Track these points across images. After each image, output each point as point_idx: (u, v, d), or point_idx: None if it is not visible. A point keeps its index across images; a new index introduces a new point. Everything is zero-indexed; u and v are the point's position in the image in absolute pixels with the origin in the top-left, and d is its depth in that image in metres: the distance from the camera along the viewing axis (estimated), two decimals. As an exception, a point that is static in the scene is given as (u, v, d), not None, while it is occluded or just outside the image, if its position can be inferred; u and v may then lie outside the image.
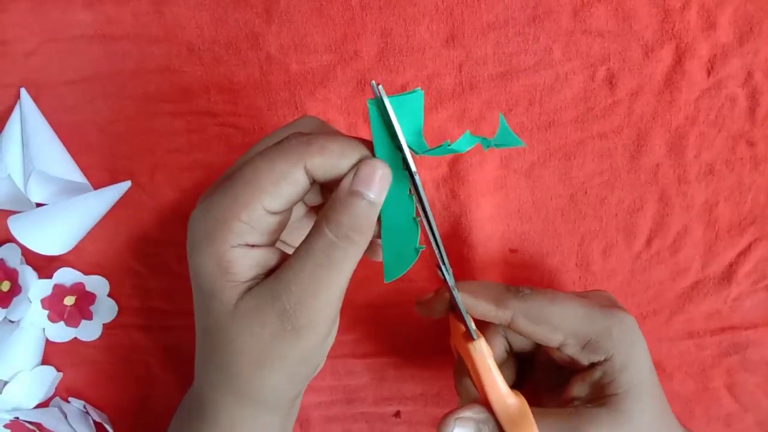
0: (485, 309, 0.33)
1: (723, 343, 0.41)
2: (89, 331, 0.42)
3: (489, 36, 0.39)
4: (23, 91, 0.40)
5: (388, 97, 0.26)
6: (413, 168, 0.27)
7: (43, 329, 0.41)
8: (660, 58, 0.39)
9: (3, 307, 0.40)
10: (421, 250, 0.29)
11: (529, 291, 0.33)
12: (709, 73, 0.39)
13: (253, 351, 0.27)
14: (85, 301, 0.41)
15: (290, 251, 0.28)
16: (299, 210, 0.31)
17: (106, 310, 0.41)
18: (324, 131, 0.30)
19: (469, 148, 0.27)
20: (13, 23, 0.40)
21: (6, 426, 0.39)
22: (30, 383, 0.40)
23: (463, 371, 0.34)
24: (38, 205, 0.40)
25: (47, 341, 0.41)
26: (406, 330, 0.42)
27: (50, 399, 0.42)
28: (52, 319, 0.41)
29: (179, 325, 0.41)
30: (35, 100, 0.40)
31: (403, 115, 0.27)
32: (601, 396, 0.32)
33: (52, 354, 0.42)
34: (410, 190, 0.28)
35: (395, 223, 0.28)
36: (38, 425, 0.40)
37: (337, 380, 0.42)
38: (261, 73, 0.40)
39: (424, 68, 0.40)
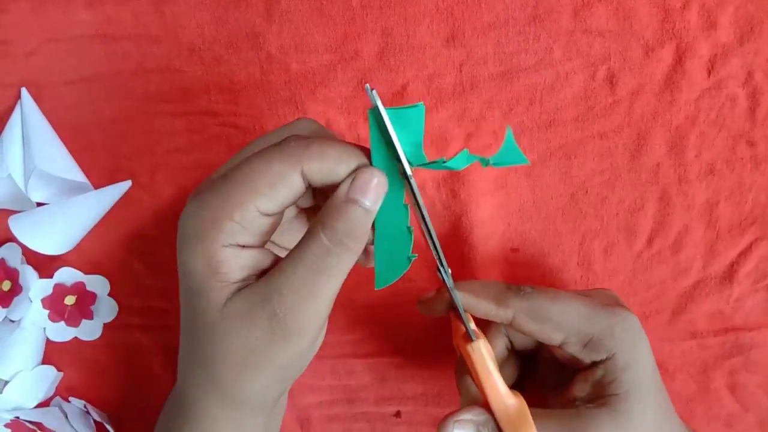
0: (486, 308, 0.33)
1: (726, 344, 0.41)
2: (90, 330, 0.42)
3: (489, 35, 0.39)
4: (24, 91, 0.40)
5: (387, 109, 0.26)
6: (409, 172, 0.27)
7: (44, 329, 0.41)
8: (660, 57, 0.39)
9: (4, 307, 0.40)
10: (413, 258, 0.29)
11: (530, 289, 0.33)
12: (709, 73, 0.39)
13: (240, 352, 0.27)
14: (85, 301, 0.41)
15: (279, 252, 0.28)
16: (290, 212, 0.31)
17: (106, 309, 0.41)
18: (322, 135, 0.30)
19: (465, 167, 0.28)
20: (14, 23, 0.40)
21: (6, 425, 0.39)
22: (30, 383, 0.40)
23: (464, 369, 0.34)
24: (39, 204, 0.40)
25: (48, 341, 0.41)
26: (406, 330, 0.42)
27: (51, 398, 0.42)
28: (53, 318, 0.41)
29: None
30: (36, 99, 0.40)
31: (403, 127, 0.27)
32: (602, 395, 0.32)
33: (52, 353, 0.42)
34: (405, 198, 0.28)
35: (389, 231, 0.29)
36: (39, 425, 0.40)
37: (338, 380, 0.42)
38: (261, 72, 0.40)
39: (425, 68, 0.40)
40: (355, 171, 0.27)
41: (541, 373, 0.37)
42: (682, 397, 0.41)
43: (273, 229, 0.28)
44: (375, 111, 0.26)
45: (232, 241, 0.26)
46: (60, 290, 0.41)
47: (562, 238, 0.41)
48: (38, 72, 0.40)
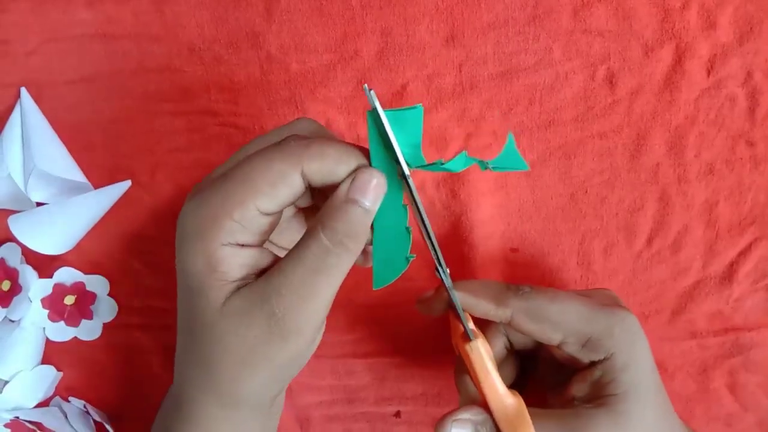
0: (485, 307, 0.33)
1: (726, 344, 0.41)
2: (89, 330, 0.42)
3: (489, 35, 0.39)
4: (24, 91, 0.40)
5: (386, 111, 0.26)
6: (407, 173, 0.27)
7: (44, 329, 0.41)
8: (660, 57, 0.39)
9: (3, 307, 0.40)
10: (412, 259, 0.29)
11: (529, 289, 0.33)
12: (709, 73, 0.39)
13: (238, 352, 0.27)
14: (85, 301, 0.41)
15: (277, 251, 0.28)
16: (288, 211, 0.31)
17: (106, 309, 0.41)
18: (322, 135, 0.30)
19: (463, 169, 0.28)
20: (14, 23, 0.40)
21: (6, 425, 0.39)
22: (30, 383, 0.40)
23: (463, 369, 0.34)
24: (38, 204, 0.40)
25: (47, 341, 0.41)
26: (406, 330, 0.42)
27: (50, 398, 0.42)
28: (53, 318, 0.41)
29: (179, 325, 0.41)
30: (36, 99, 0.40)
31: (402, 128, 0.27)
32: (601, 396, 0.32)
33: (52, 353, 0.42)
34: (404, 199, 0.28)
35: (388, 232, 0.29)
36: (38, 425, 0.40)
37: (338, 380, 0.42)
38: (261, 72, 0.40)
39: (424, 68, 0.40)
40: (355, 171, 0.27)
41: (540, 373, 0.37)
42: (681, 397, 0.41)
43: (272, 228, 0.28)
44: (374, 112, 0.26)
45: (231, 239, 0.26)
46: (60, 290, 0.41)
47: (562, 237, 0.41)
48: (38, 72, 0.40)
